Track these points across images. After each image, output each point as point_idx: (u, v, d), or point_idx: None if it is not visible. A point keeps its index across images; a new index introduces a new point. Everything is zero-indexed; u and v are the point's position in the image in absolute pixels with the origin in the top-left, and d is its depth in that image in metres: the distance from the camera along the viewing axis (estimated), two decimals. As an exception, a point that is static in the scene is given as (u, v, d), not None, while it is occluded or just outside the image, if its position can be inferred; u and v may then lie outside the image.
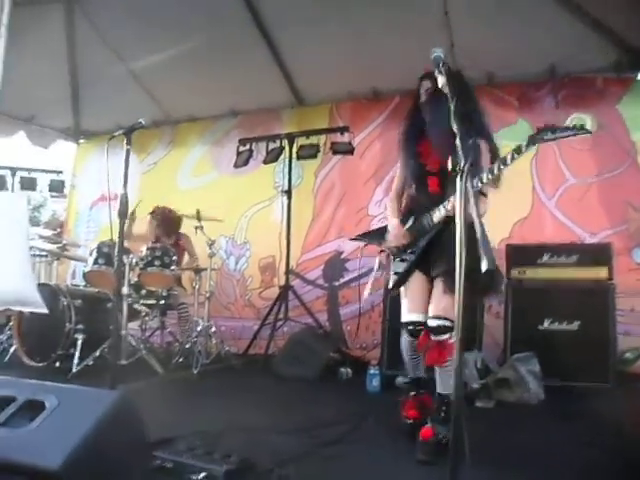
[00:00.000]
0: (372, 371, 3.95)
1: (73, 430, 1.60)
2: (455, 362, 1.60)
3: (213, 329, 4.66)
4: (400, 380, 3.85)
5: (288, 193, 5.29)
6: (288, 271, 5.18)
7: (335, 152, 5.25)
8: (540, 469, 2.32)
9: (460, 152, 1.57)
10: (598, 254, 4.02)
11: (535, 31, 4.23)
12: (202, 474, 2.00)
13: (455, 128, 1.64)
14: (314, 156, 5.32)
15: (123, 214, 2.58)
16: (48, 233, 5.07)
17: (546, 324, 3.96)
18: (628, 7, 3.93)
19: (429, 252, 2.64)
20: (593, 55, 4.42)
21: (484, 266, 1.47)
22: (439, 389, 2.60)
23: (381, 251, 2.87)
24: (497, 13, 4.15)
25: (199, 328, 4.52)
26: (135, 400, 1.82)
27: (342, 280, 5.36)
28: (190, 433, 2.57)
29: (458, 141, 1.60)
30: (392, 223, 2.79)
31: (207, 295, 4.62)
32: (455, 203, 2.17)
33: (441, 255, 2.52)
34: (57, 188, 6.88)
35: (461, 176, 1.55)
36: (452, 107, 1.70)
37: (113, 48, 5.20)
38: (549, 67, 4.64)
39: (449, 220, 2.44)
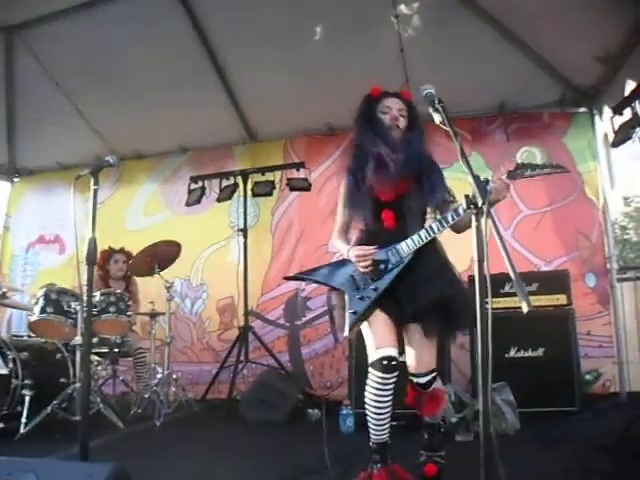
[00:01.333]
0: (345, 411, 3.84)
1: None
2: (481, 402, 1.53)
3: (174, 376, 4.41)
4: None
5: (244, 232, 5.17)
6: (247, 312, 5.03)
7: (292, 189, 5.20)
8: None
9: (476, 191, 1.54)
10: (557, 281, 4.16)
11: (486, 68, 4.42)
12: None
13: (465, 167, 1.62)
14: (270, 193, 5.25)
15: (92, 260, 2.38)
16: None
17: (512, 352, 4.02)
18: (570, 48, 4.17)
19: (393, 292, 2.34)
20: (540, 91, 4.65)
21: (525, 308, 1.43)
22: (428, 420, 2.46)
23: (332, 289, 2.51)
24: (450, 51, 4.32)
25: (159, 376, 4.26)
26: (128, 472, 1.64)
27: (304, 319, 5.25)
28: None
29: (472, 180, 1.57)
30: (351, 250, 2.42)
31: (167, 340, 4.40)
32: (422, 236, 2.27)
33: (411, 294, 2.30)
34: (-12, 230, 6.42)
35: (479, 215, 1.52)
36: (458, 146, 1.68)
37: (55, 81, 4.98)
38: (499, 103, 4.86)
39: (418, 254, 2.32)
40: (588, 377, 4.39)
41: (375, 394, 2.29)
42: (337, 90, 4.79)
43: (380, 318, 2.35)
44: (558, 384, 3.82)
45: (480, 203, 1.53)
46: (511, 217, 4.86)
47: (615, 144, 4.14)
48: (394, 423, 3.18)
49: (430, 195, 2.40)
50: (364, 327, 2.38)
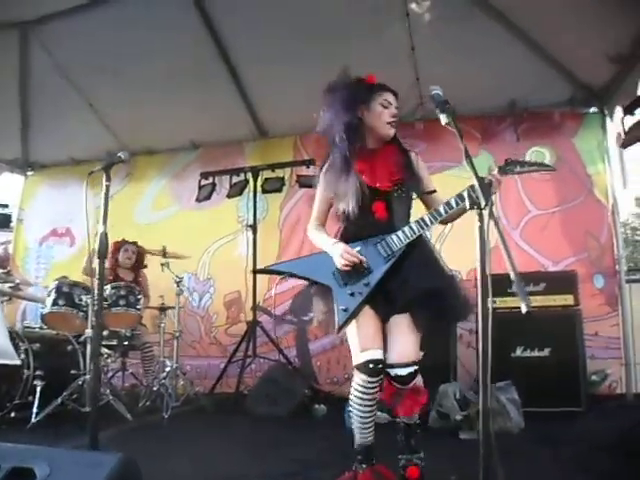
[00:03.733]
0: (349, 408, 3.85)
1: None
2: (481, 403, 1.56)
3: (182, 369, 4.46)
4: (380, 415, 3.78)
5: (253, 227, 5.20)
6: (255, 307, 5.07)
7: (301, 185, 5.22)
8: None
9: (479, 192, 1.56)
10: (564, 282, 4.17)
11: (496, 67, 4.40)
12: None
13: (469, 168, 1.64)
14: (280, 190, 5.28)
15: (103, 254, 2.43)
16: (-1, 272, 4.77)
17: (518, 352, 4.03)
18: (581, 46, 4.15)
19: (384, 286, 2.24)
20: (550, 91, 4.64)
21: (524, 308, 1.45)
22: (405, 420, 2.31)
23: (315, 283, 2.38)
24: (461, 50, 4.30)
25: (167, 369, 4.32)
26: (135, 462, 1.68)
27: (311, 314, 5.25)
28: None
29: (475, 180, 1.59)
30: (336, 246, 2.27)
31: (176, 334, 4.45)
32: (413, 229, 2.20)
33: (402, 287, 2.22)
34: (3, 223, 6.51)
35: (482, 216, 1.54)
36: (463, 147, 1.70)
37: (69, 77, 5.05)
38: (509, 102, 4.84)
39: (408, 246, 2.24)
40: (595, 378, 4.37)
41: (360, 397, 2.23)
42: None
43: (367, 317, 2.24)
44: (564, 384, 3.83)
45: (483, 204, 1.55)
46: (519, 217, 4.85)
47: (625, 145, 4.13)
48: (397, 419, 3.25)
49: (418, 183, 2.36)
50: (351, 329, 2.25)
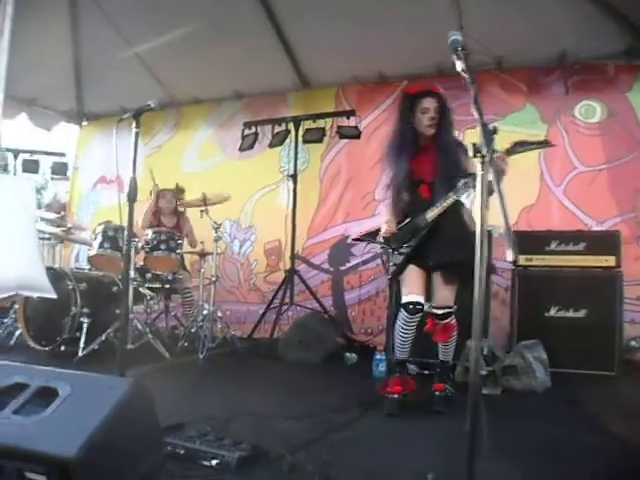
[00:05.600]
0: (379, 356, 3.94)
1: (88, 418, 1.59)
2: (472, 352, 1.59)
3: (219, 313, 4.64)
4: (411, 367, 3.86)
5: (294, 177, 5.24)
6: (294, 255, 5.17)
7: (342, 136, 5.21)
8: (551, 455, 2.32)
9: (482, 139, 1.54)
10: (606, 242, 4.01)
11: (546, 16, 4.16)
12: (214, 461, 2.00)
13: (476, 113, 1.61)
14: (320, 140, 5.27)
15: (132, 198, 2.54)
16: (52, 216, 5.03)
17: (552, 312, 3.96)
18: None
19: (424, 247, 2.99)
20: (604, 41, 4.36)
21: (510, 256, 1.45)
22: (442, 357, 3.16)
23: (382, 247, 3.16)
24: (508, -3, 4.09)
25: (205, 312, 4.50)
26: (148, 387, 1.81)
27: (348, 265, 5.35)
28: (199, 419, 2.56)
29: (480, 127, 1.57)
30: (385, 219, 3.14)
31: (213, 279, 4.60)
32: (443, 204, 2.88)
33: (436, 249, 2.95)
34: (60, 171, 6.80)
35: (484, 163, 1.52)
36: (473, 92, 1.67)
37: (117, 30, 5.11)
38: (559, 53, 4.59)
39: (440, 219, 2.94)
40: (633, 343, 4.25)
41: (402, 328, 3.01)
42: (388, 39, 4.69)
43: (412, 271, 3.03)
44: (597, 347, 3.75)
45: (485, 151, 1.53)
46: (564, 173, 4.67)
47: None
48: (425, 372, 3.74)
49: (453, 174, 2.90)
50: (402, 280, 3.07)
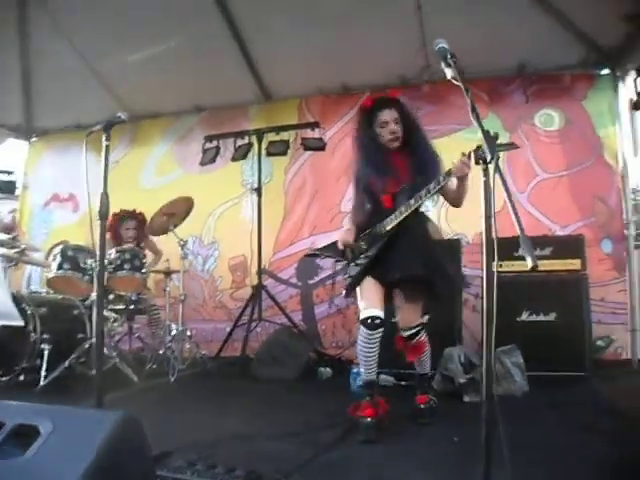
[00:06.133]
0: (356, 370, 3.88)
1: (75, 458, 1.43)
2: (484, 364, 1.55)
3: (188, 333, 4.49)
4: (383, 377, 3.82)
5: (258, 191, 5.17)
6: (260, 271, 5.07)
7: (306, 148, 5.18)
8: (542, 456, 2.35)
9: (485, 146, 1.52)
10: (571, 246, 4.12)
11: (506, 27, 4.29)
12: (210, 491, 1.89)
13: (475, 122, 1.60)
14: (284, 153, 5.23)
15: (104, 215, 2.40)
16: (4, 237, 4.77)
17: (524, 316, 4.03)
18: (594, 5, 4.02)
19: (382, 260, 2.84)
20: (561, 52, 4.52)
21: (530, 263, 1.42)
22: (419, 371, 3.10)
23: (338, 261, 3.07)
24: (469, 9, 4.16)
25: (173, 332, 4.35)
26: (138, 420, 1.68)
27: (316, 278, 5.28)
28: (182, 446, 2.43)
29: (481, 135, 1.55)
30: (344, 229, 3.00)
31: (182, 298, 4.46)
32: (403, 211, 2.74)
33: (394, 264, 2.79)
34: (8, 189, 6.50)
35: (487, 170, 1.50)
36: (469, 101, 1.65)
37: (70, 41, 4.94)
38: (519, 63, 4.72)
39: (401, 230, 2.80)
40: (600, 343, 4.38)
41: (363, 346, 2.82)
42: (352, 49, 4.70)
43: (369, 283, 2.85)
44: (568, 349, 3.83)
45: (489, 158, 1.51)
46: (527, 181, 4.78)
47: (638, 107, 4.03)
48: (402, 383, 3.67)
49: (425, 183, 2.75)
50: (358, 291, 2.88)
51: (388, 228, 2.83)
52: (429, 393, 3.10)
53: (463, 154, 2.54)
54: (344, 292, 2.99)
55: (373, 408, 2.80)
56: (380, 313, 2.79)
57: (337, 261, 3.04)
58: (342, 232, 2.98)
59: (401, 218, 2.78)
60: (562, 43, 4.40)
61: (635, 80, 4.19)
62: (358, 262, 2.89)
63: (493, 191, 1.55)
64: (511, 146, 2.63)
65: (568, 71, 4.73)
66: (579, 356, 3.85)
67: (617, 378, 3.94)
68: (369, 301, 2.83)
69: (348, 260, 2.96)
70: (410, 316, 2.93)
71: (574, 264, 4.05)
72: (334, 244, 3.00)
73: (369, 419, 2.76)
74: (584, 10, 4.12)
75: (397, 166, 2.87)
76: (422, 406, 3.01)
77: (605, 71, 4.72)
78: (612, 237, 4.57)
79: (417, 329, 2.93)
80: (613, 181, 4.61)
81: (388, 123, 2.86)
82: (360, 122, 2.98)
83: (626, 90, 4.55)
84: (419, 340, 2.96)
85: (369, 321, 2.77)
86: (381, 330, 2.78)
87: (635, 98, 4.26)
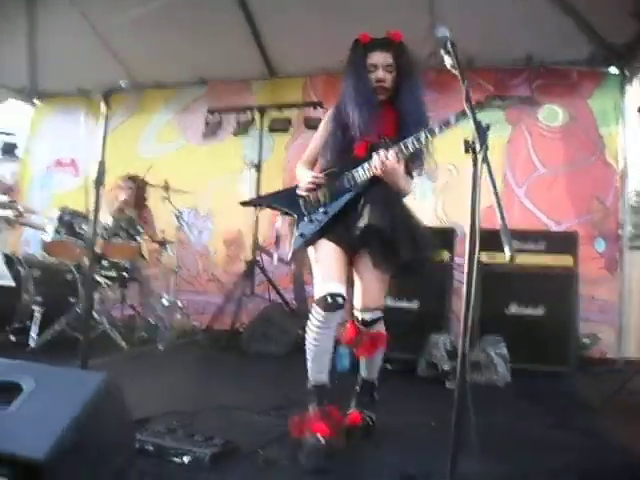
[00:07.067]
0: (342, 350, 3.92)
1: (56, 415, 1.48)
2: (460, 348, 1.58)
3: (179, 304, 4.52)
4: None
5: (258, 166, 5.16)
6: (256, 246, 5.08)
7: (309, 127, 5.15)
8: (512, 445, 2.38)
9: (476, 136, 1.53)
10: (565, 242, 4.14)
11: (516, 19, 4.22)
12: (186, 457, 1.93)
13: (468, 111, 1.60)
14: (286, 130, 5.24)
15: (100, 182, 2.42)
16: (2, 198, 4.78)
17: (513, 308, 4.05)
18: (606, 1, 3.98)
19: (345, 218, 2.25)
20: (570, 47, 4.47)
21: (508, 253, 1.44)
22: (364, 375, 2.48)
23: (285, 214, 2.41)
24: (479, -1, 4.13)
25: (165, 302, 4.38)
26: (117, 380, 1.71)
27: (311, 256, 5.27)
28: (164, 412, 2.48)
29: (472, 124, 1.56)
30: (308, 177, 2.35)
31: (175, 269, 4.49)
32: (380, 160, 2.15)
33: (357, 217, 2.21)
34: (9, 150, 6.46)
35: (476, 160, 1.51)
36: (464, 89, 1.66)
37: (77, 5, 4.88)
38: (526, 55, 4.66)
39: (374, 182, 2.23)
40: (586, 340, 4.40)
41: (317, 332, 2.20)
42: (359, 30, 4.64)
43: (329, 250, 2.23)
44: (554, 344, 3.87)
45: (478, 148, 1.52)
46: (526, 175, 4.78)
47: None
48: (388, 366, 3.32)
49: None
50: (313, 263, 2.28)
51: (359, 181, 2.26)
52: (368, 407, 2.45)
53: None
54: (289, 255, 2.33)
55: (326, 423, 2.17)
56: (341, 289, 2.17)
57: (285, 214, 2.38)
58: (304, 174, 2.38)
59: (378, 170, 2.19)
60: (571, 39, 4.36)
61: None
62: (313, 217, 2.27)
63: (479, 182, 1.56)
64: (529, 101, 2.36)
65: (575, 67, 4.68)
66: (564, 352, 3.89)
67: (600, 376, 3.98)
68: (329, 270, 2.20)
69: (300, 213, 2.31)
70: (374, 291, 2.26)
71: (567, 260, 4.06)
72: (284, 192, 2.46)
73: (322, 440, 2.09)
74: (595, 6, 4.08)
75: (382, 117, 2.32)
76: (354, 426, 2.38)
77: (613, 70, 4.67)
78: (606, 236, 4.58)
79: (379, 314, 2.30)
80: (612, 180, 4.61)
81: (377, 68, 2.32)
82: (350, 57, 2.43)
83: (634, 90, 4.52)
84: (379, 330, 2.33)
85: (329, 300, 2.13)
86: (341, 312, 2.20)
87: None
